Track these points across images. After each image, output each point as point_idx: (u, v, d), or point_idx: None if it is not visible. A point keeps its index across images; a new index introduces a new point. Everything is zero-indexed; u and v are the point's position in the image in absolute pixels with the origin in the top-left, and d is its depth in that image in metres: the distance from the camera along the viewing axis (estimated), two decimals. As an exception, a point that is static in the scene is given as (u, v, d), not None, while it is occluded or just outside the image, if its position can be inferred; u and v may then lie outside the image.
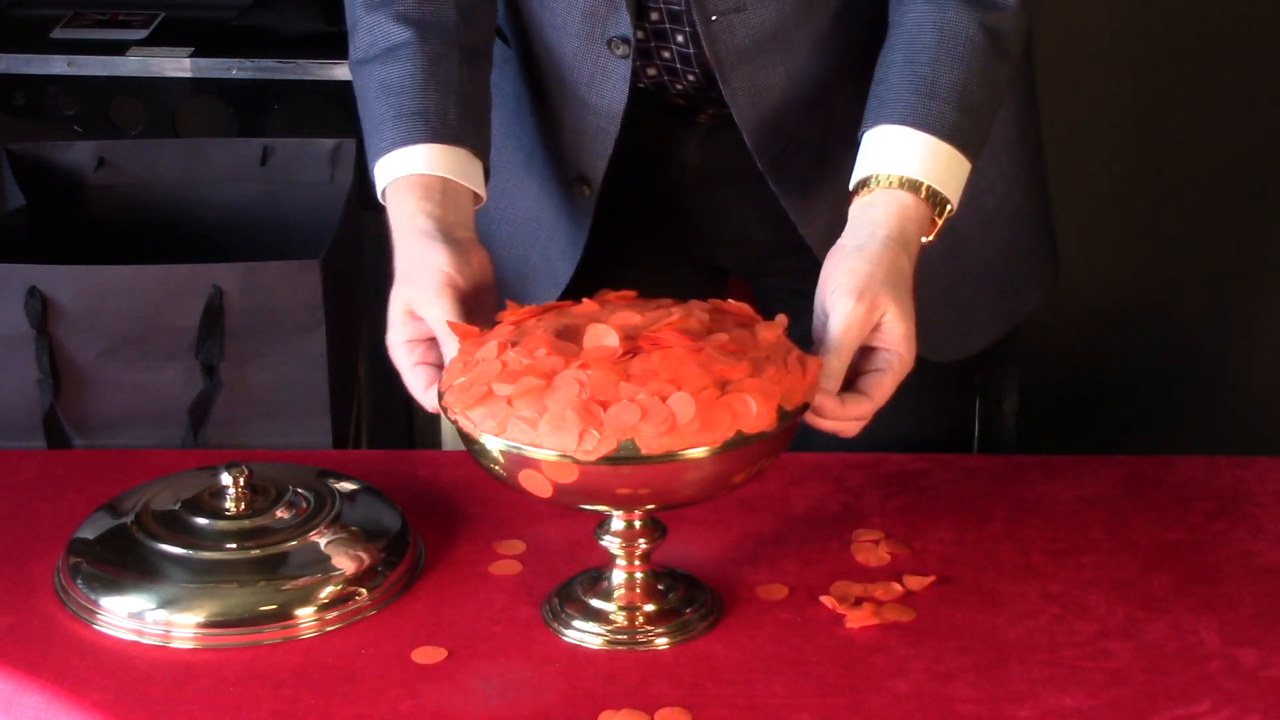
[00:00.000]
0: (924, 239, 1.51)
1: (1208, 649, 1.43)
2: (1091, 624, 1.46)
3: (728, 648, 1.43)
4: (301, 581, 1.48)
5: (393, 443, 2.47)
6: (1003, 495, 1.63)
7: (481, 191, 1.58)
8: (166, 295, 1.85)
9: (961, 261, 1.75)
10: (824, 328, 1.45)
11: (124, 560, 1.50)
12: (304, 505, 1.54)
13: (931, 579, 1.51)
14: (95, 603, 1.47)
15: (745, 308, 1.47)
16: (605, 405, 1.34)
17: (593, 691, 1.38)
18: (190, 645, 1.44)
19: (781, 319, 1.44)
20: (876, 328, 1.45)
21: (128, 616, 1.46)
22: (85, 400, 1.88)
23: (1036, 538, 1.57)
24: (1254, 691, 1.38)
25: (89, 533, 1.54)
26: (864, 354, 1.46)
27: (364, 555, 1.50)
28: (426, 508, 1.61)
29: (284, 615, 1.45)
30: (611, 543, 1.45)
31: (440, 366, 1.47)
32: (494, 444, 1.37)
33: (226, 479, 1.53)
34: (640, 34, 1.64)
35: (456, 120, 1.57)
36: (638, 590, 1.46)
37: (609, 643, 1.44)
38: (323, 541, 1.51)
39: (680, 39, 1.64)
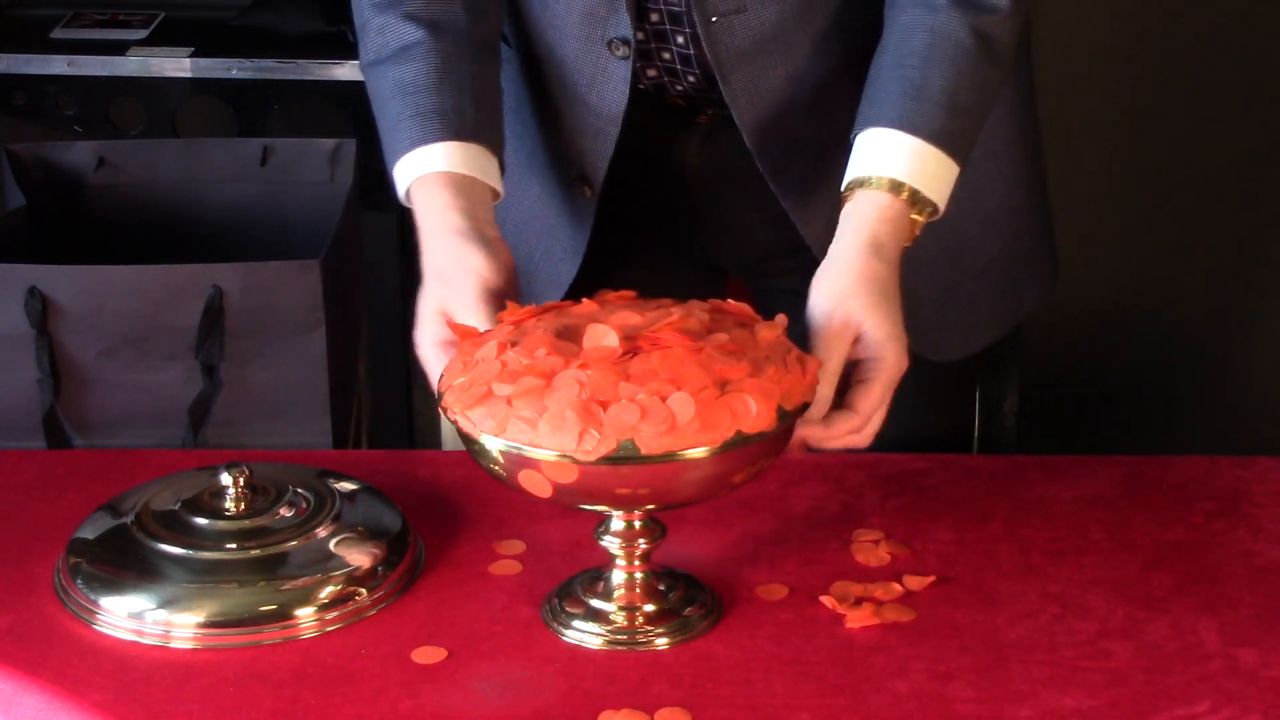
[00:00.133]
0: (907, 241, 1.52)
1: (1208, 649, 1.43)
2: (1091, 624, 1.46)
3: (728, 648, 1.43)
4: (301, 581, 1.48)
5: (393, 443, 2.48)
6: (1003, 495, 1.63)
7: (499, 188, 1.60)
8: (166, 295, 1.85)
9: (962, 261, 1.75)
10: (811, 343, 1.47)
11: (124, 560, 1.50)
12: (304, 505, 1.54)
13: (931, 579, 1.51)
14: (95, 603, 1.47)
15: (745, 308, 1.47)
16: (605, 405, 1.34)
17: (593, 691, 1.38)
18: (190, 645, 1.44)
19: (781, 319, 1.44)
20: (857, 340, 1.46)
21: (128, 616, 1.46)
22: (85, 400, 1.88)
23: (1036, 538, 1.57)
24: (1254, 691, 1.38)
25: (89, 533, 1.54)
26: (851, 366, 1.47)
27: (364, 555, 1.50)
28: (426, 508, 1.61)
29: (284, 615, 1.45)
30: (611, 543, 1.45)
31: None
32: (494, 444, 1.37)
33: (226, 479, 1.53)
34: (640, 35, 1.64)
35: (473, 117, 1.59)
36: (638, 590, 1.46)
37: (609, 643, 1.44)
38: (322, 541, 1.51)
39: (680, 40, 1.64)
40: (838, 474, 1.65)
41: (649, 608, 1.46)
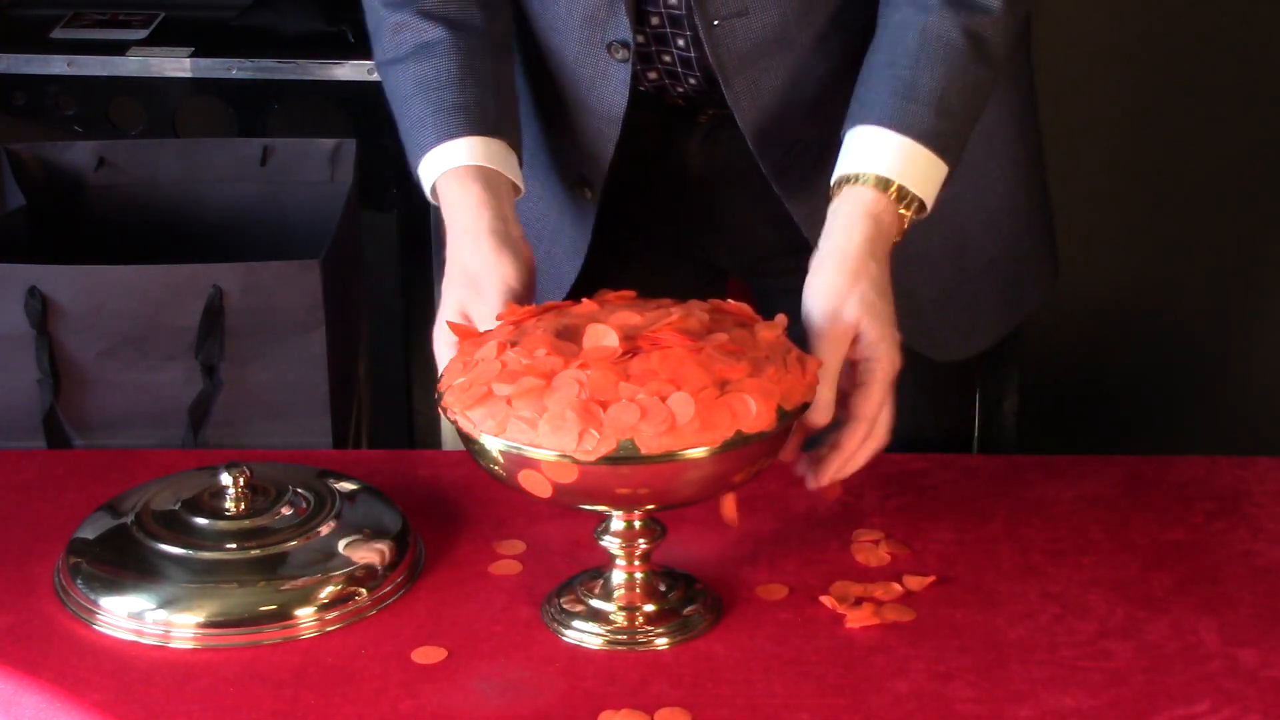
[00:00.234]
0: (896, 237, 1.51)
1: (1208, 649, 1.43)
2: (1091, 624, 1.46)
3: (728, 648, 1.43)
4: (301, 581, 1.48)
5: (393, 443, 2.47)
6: (1003, 495, 1.63)
7: (521, 183, 1.61)
8: (166, 295, 1.85)
9: (964, 261, 1.75)
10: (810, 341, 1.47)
11: (124, 560, 1.50)
12: (304, 505, 1.54)
13: (931, 579, 1.51)
14: (95, 603, 1.47)
15: (745, 308, 1.47)
16: (605, 405, 1.34)
17: (593, 691, 1.38)
18: (190, 645, 1.44)
19: (781, 319, 1.44)
20: (855, 340, 1.46)
21: (127, 616, 1.46)
22: (85, 400, 1.88)
23: (1036, 538, 1.57)
24: (1254, 691, 1.38)
25: (89, 533, 1.54)
26: (847, 370, 1.47)
27: (372, 554, 1.50)
28: (426, 508, 1.61)
29: (284, 615, 1.45)
30: (611, 543, 1.45)
31: None
32: (494, 444, 1.37)
33: (226, 479, 1.53)
34: (640, 38, 1.64)
35: (495, 113, 1.60)
36: (638, 590, 1.46)
37: (609, 643, 1.44)
38: (323, 541, 1.51)
39: (681, 43, 1.64)
40: (838, 474, 1.65)
41: (649, 608, 1.46)
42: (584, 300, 1.46)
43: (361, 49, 2.54)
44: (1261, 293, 3.12)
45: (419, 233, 2.67)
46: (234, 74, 2.70)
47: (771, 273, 1.81)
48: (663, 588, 1.47)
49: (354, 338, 2.06)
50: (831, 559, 1.54)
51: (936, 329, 1.75)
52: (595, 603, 1.46)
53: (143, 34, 2.79)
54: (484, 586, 1.51)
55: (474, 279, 1.53)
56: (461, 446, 1.43)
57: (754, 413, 1.35)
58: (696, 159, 1.74)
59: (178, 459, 1.71)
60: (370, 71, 2.54)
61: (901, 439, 1.68)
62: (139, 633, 1.45)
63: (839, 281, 1.48)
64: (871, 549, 1.55)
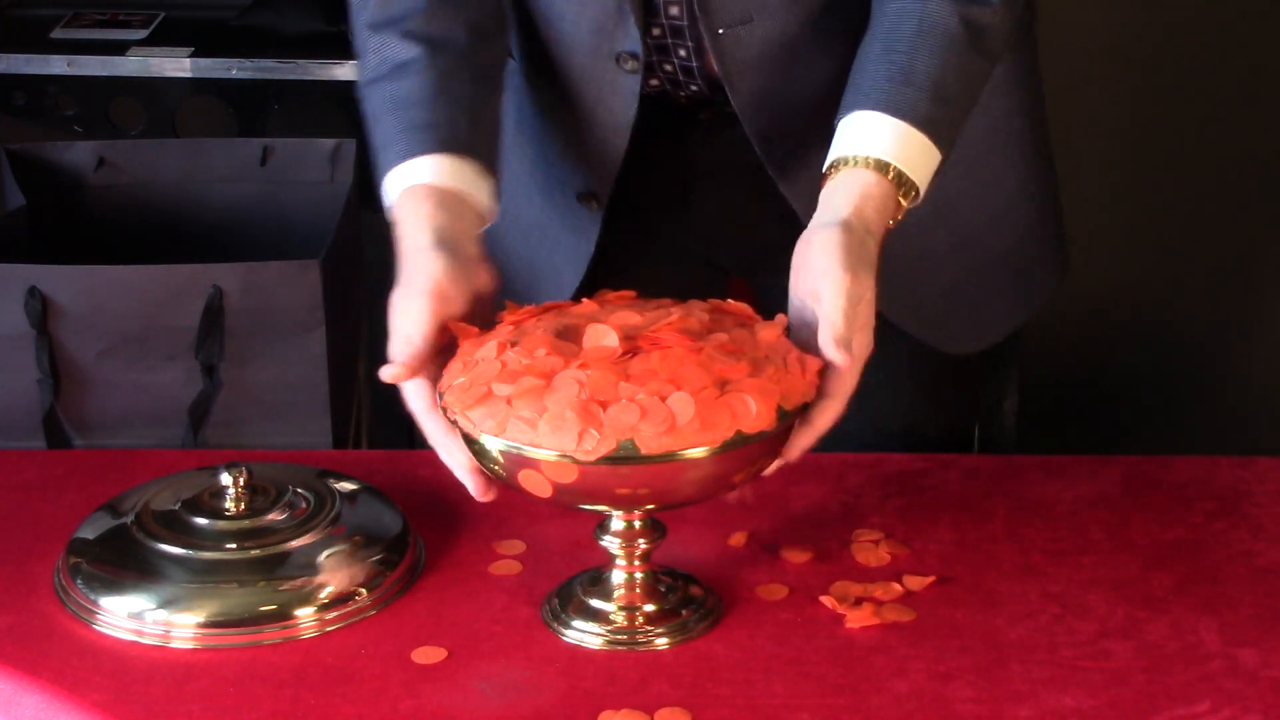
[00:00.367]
0: (890, 223, 1.48)
1: (1208, 649, 1.43)
2: (1091, 624, 1.46)
3: (728, 648, 1.43)
4: (301, 581, 1.48)
5: (393, 443, 2.47)
6: (1003, 495, 1.63)
7: (492, 207, 1.55)
8: (166, 295, 1.85)
9: (972, 255, 1.75)
10: (810, 311, 1.42)
11: (124, 560, 1.50)
12: (304, 505, 1.54)
13: (931, 579, 1.51)
14: (95, 603, 1.47)
15: (745, 307, 1.47)
16: (605, 405, 1.34)
17: (593, 691, 1.38)
18: (190, 645, 1.44)
19: (781, 319, 1.44)
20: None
21: (127, 616, 1.46)
22: (85, 400, 1.88)
23: (1036, 538, 1.57)
24: (1254, 691, 1.38)
25: (89, 533, 1.54)
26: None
27: (364, 555, 1.50)
28: (426, 508, 1.61)
29: (284, 615, 1.45)
30: (611, 543, 1.45)
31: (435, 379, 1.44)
32: (494, 444, 1.37)
33: (226, 479, 1.53)
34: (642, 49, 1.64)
35: (467, 133, 1.54)
36: (638, 590, 1.46)
37: (609, 643, 1.44)
38: (322, 542, 1.51)
39: (682, 53, 1.63)
40: (838, 474, 1.65)
41: (649, 608, 1.46)
42: (584, 300, 1.46)
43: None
44: (1261, 293, 3.12)
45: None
46: (234, 74, 2.70)
47: (774, 270, 1.81)
48: (663, 588, 1.47)
49: (354, 338, 2.06)
50: (831, 559, 1.54)
51: (946, 322, 1.75)
52: (595, 603, 1.46)
53: (143, 34, 2.79)
54: (484, 586, 1.51)
55: (405, 283, 1.45)
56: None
57: (754, 413, 1.35)
58: (699, 158, 1.74)
59: (178, 459, 1.71)
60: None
61: (902, 438, 1.69)
62: (139, 633, 1.45)
63: (847, 242, 1.43)
64: (871, 549, 1.55)
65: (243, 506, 1.53)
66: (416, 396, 1.44)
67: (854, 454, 1.66)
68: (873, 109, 1.50)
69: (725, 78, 1.62)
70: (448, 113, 1.54)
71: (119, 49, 2.74)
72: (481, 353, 1.40)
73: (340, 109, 2.63)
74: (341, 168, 2.11)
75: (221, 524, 1.52)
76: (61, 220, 2.12)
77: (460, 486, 1.46)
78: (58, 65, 2.72)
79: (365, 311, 2.14)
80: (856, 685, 1.39)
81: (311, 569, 1.48)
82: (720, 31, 1.60)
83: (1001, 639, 1.44)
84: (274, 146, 2.14)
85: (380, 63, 1.58)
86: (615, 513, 1.44)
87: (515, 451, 1.36)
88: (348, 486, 1.58)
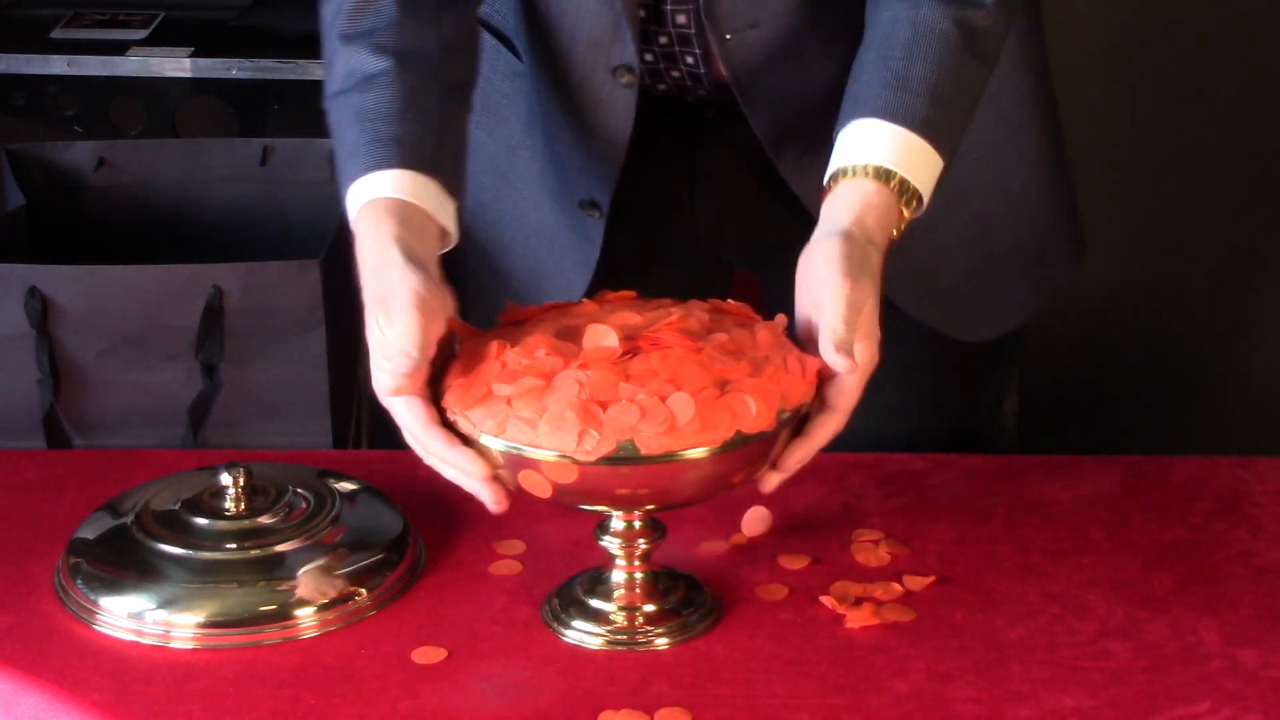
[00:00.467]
0: (894, 233, 1.47)
1: (1208, 649, 1.43)
2: (1091, 624, 1.46)
3: (728, 648, 1.43)
4: (301, 581, 1.47)
5: (393, 443, 2.47)
6: (1003, 495, 1.63)
7: (453, 230, 1.50)
8: (166, 295, 1.85)
9: (988, 244, 1.75)
10: (815, 323, 1.41)
11: (124, 560, 1.50)
12: (304, 505, 1.54)
13: (931, 579, 1.51)
14: (95, 603, 1.47)
15: (745, 307, 1.46)
16: (605, 405, 1.34)
17: (593, 691, 1.38)
18: (190, 645, 1.44)
19: (781, 319, 1.44)
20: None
21: (127, 616, 1.46)
22: (85, 400, 1.88)
23: (1036, 538, 1.57)
24: (1254, 691, 1.38)
25: (89, 533, 1.54)
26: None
27: (364, 555, 1.50)
28: (426, 508, 1.61)
29: (284, 615, 1.45)
30: (611, 543, 1.45)
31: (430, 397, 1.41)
32: (494, 444, 1.37)
33: (226, 479, 1.53)
34: (649, 56, 1.64)
35: (434, 152, 1.50)
36: (638, 590, 1.46)
37: (609, 643, 1.44)
38: (322, 542, 1.51)
39: (690, 60, 1.63)
40: (838, 474, 1.65)
41: (649, 608, 1.46)
42: (584, 300, 1.46)
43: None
44: (1261, 293, 3.12)
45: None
46: (234, 74, 2.70)
47: (781, 265, 1.81)
48: (662, 588, 1.47)
49: (354, 338, 2.05)
50: (831, 559, 1.54)
51: (961, 311, 1.75)
52: (595, 603, 1.46)
53: (143, 34, 2.79)
54: (484, 586, 1.51)
55: (383, 298, 1.41)
56: (461, 446, 1.42)
57: (754, 413, 1.35)
58: (703, 157, 1.74)
59: (178, 459, 1.71)
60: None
61: (905, 437, 1.68)
62: (139, 633, 1.45)
63: (837, 250, 1.41)
64: (871, 549, 1.55)
65: (243, 506, 1.53)
66: (411, 413, 1.39)
67: (854, 454, 1.66)
68: (870, 116, 1.49)
69: (734, 83, 1.62)
70: (415, 128, 1.50)
71: (119, 49, 2.74)
72: (481, 353, 1.40)
73: (340, 109, 2.62)
74: (341, 168, 2.11)
75: (221, 524, 1.52)
76: (61, 220, 2.11)
77: (460, 486, 1.46)
78: (58, 65, 2.72)
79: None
80: (856, 685, 1.39)
81: (311, 569, 1.48)
82: (728, 37, 1.59)
83: (1001, 639, 1.44)
84: (274, 146, 2.14)
85: (349, 73, 1.53)
86: (615, 513, 1.44)
87: (515, 452, 1.36)
88: (348, 486, 1.58)
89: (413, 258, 1.43)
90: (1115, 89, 3.01)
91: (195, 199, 2.14)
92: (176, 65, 2.70)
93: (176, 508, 1.54)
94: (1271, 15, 2.99)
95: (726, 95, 1.65)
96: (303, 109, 2.69)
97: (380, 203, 1.46)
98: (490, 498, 1.40)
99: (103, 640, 1.45)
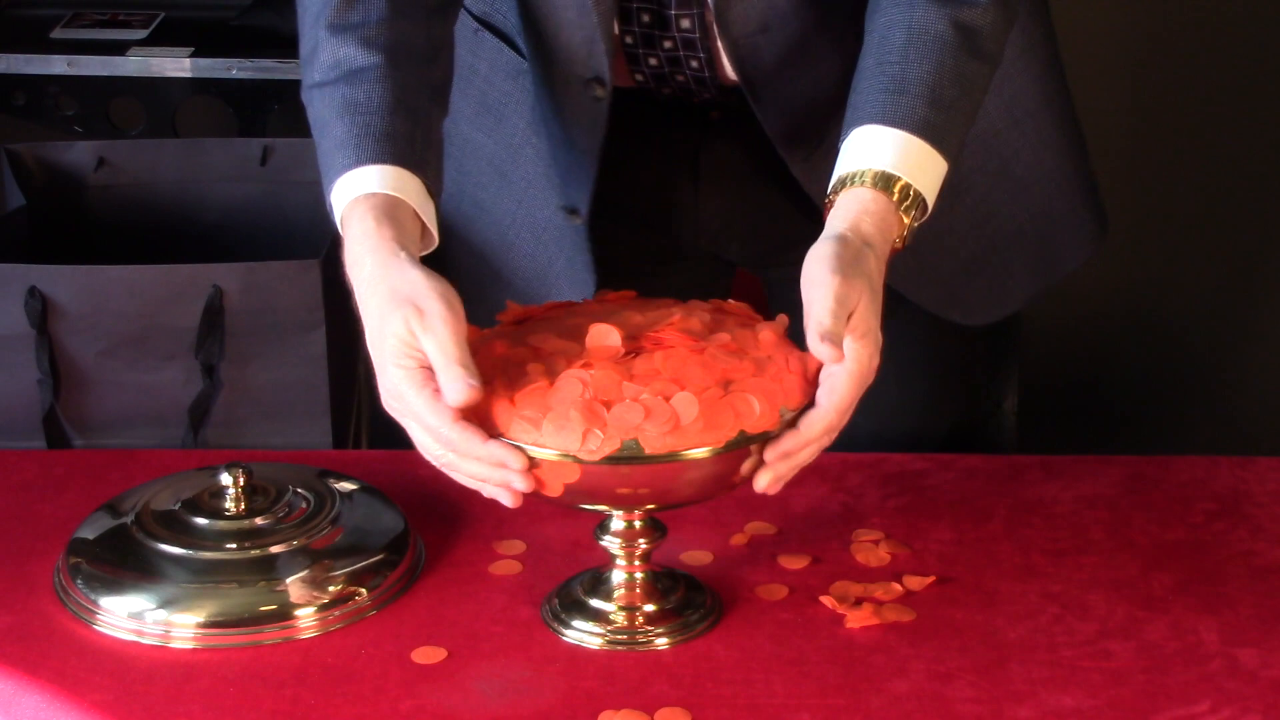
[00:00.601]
0: (896, 240, 1.46)
1: (1208, 649, 1.43)
2: (1091, 624, 1.46)
3: (728, 648, 1.43)
4: (301, 581, 1.47)
5: (393, 443, 2.47)
6: (1003, 495, 1.63)
7: (434, 230, 1.48)
8: (166, 295, 1.85)
9: (991, 231, 1.75)
10: (805, 315, 1.40)
11: (124, 560, 1.50)
12: (304, 505, 1.54)
13: (931, 579, 1.51)
14: (95, 603, 1.47)
15: (746, 307, 1.47)
16: (609, 405, 1.34)
17: (593, 691, 1.38)
18: (190, 645, 1.44)
19: (782, 319, 1.44)
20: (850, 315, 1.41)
21: (127, 616, 1.46)
22: (85, 400, 1.88)
23: (1036, 538, 1.57)
24: (1254, 691, 1.38)
25: (89, 533, 1.54)
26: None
27: (364, 555, 1.50)
28: (426, 508, 1.61)
29: (284, 615, 1.45)
30: (611, 543, 1.45)
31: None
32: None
33: (226, 479, 1.53)
34: (654, 60, 1.63)
35: (421, 151, 1.49)
36: (638, 590, 1.46)
37: (609, 643, 1.44)
38: (322, 542, 1.51)
39: (695, 64, 1.63)
40: (838, 474, 1.65)
41: (649, 608, 1.46)
42: (585, 300, 1.46)
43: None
44: (1262, 293, 3.12)
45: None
46: (234, 74, 2.70)
47: (785, 264, 1.80)
48: (662, 588, 1.47)
49: (354, 338, 2.05)
50: (831, 559, 1.54)
51: (964, 296, 1.75)
52: (595, 603, 1.46)
53: (143, 34, 2.79)
54: (484, 586, 1.51)
55: (408, 296, 1.37)
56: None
57: (757, 412, 1.35)
58: (709, 157, 1.74)
59: (178, 459, 1.71)
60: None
61: (903, 436, 1.68)
62: (139, 633, 1.45)
63: (829, 251, 1.40)
64: (871, 549, 1.55)
65: (243, 507, 1.53)
66: (437, 414, 1.36)
67: (854, 454, 1.66)
68: (870, 123, 1.48)
69: (746, 85, 1.61)
70: (407, 127, 1.48)
71: (119, 49, 2.74)
72: (484, 353, 1.40)
73: (340, 109, 2.62)
74: (341, 167, 2.11)
75: (221, 524, 1.52)
76: (61, 220, 2.12)
77: (460, 486, 1.46)
78: (58, 65, 2.72)
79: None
80: (856, 685, 1.39)
81: (312, 569, 1.48)
82: (738, 41, 1.59)
83: (1001, 639, 1.44)
84: (274, 146, 2.14)
85: (334, 64, 1.51)
86: (616, 513, 1.44)
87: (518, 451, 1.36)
88: (348, 486, 1.58)
89: (414, 257, 1.42)
90: (1115, 89, 3.02)
91: (195, 199, 2.14)
92: (176, 65, 2.70)
93: (176, 508, 1.54)
94: (1273, 15, 2.99)
95: (732, 97, 1.64)
96: (303, 109, 2.68)
97: (376, 198, 1.45)
98: (522, 487, 1.36)
99: (103, 640, 1.45)
